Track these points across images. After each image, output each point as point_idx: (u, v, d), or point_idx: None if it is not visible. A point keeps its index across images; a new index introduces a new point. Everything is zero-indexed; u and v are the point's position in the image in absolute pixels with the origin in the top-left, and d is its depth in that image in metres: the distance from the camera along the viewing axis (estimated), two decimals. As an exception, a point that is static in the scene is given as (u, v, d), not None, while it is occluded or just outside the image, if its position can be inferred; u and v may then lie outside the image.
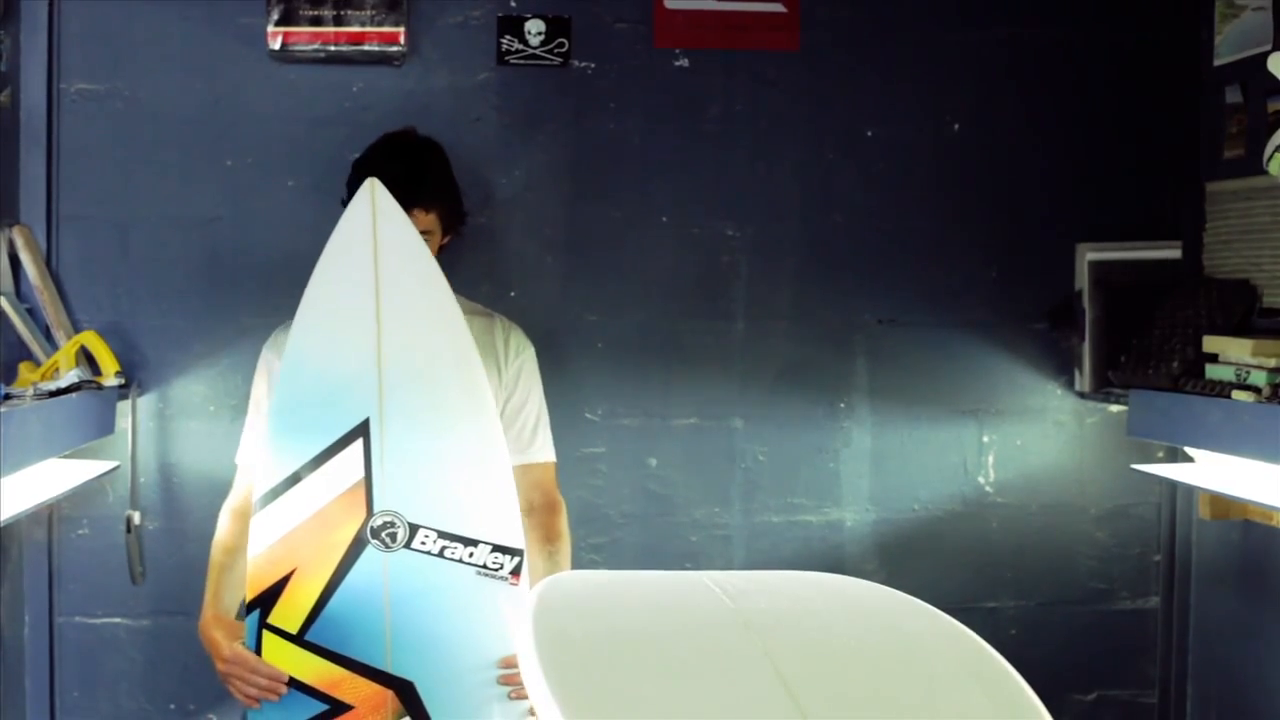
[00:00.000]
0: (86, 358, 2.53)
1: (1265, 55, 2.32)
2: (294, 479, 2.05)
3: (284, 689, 2.06)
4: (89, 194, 2.64)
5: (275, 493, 2.06)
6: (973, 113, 2.82)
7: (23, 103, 2.60)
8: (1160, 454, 2.82)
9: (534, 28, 2.71)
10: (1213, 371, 2.37)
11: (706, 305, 2.79)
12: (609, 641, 1.65)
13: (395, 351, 2.08)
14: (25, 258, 2.57)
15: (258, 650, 2.07)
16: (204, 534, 2.47)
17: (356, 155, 2.40)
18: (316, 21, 2.64)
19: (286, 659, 2.07)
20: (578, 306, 2.76)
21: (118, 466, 2.58)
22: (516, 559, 2.10)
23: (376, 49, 2.65)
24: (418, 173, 2.31)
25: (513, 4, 2.72)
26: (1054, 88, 2.84)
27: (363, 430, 2.07)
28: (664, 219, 2.77)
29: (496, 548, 2.09)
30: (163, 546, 2.65)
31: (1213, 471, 2.50)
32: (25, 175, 2.61)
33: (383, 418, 2.08)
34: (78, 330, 2.59)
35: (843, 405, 2.82)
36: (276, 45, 2.64)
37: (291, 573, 2.07)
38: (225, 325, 2.65)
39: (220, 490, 2.40)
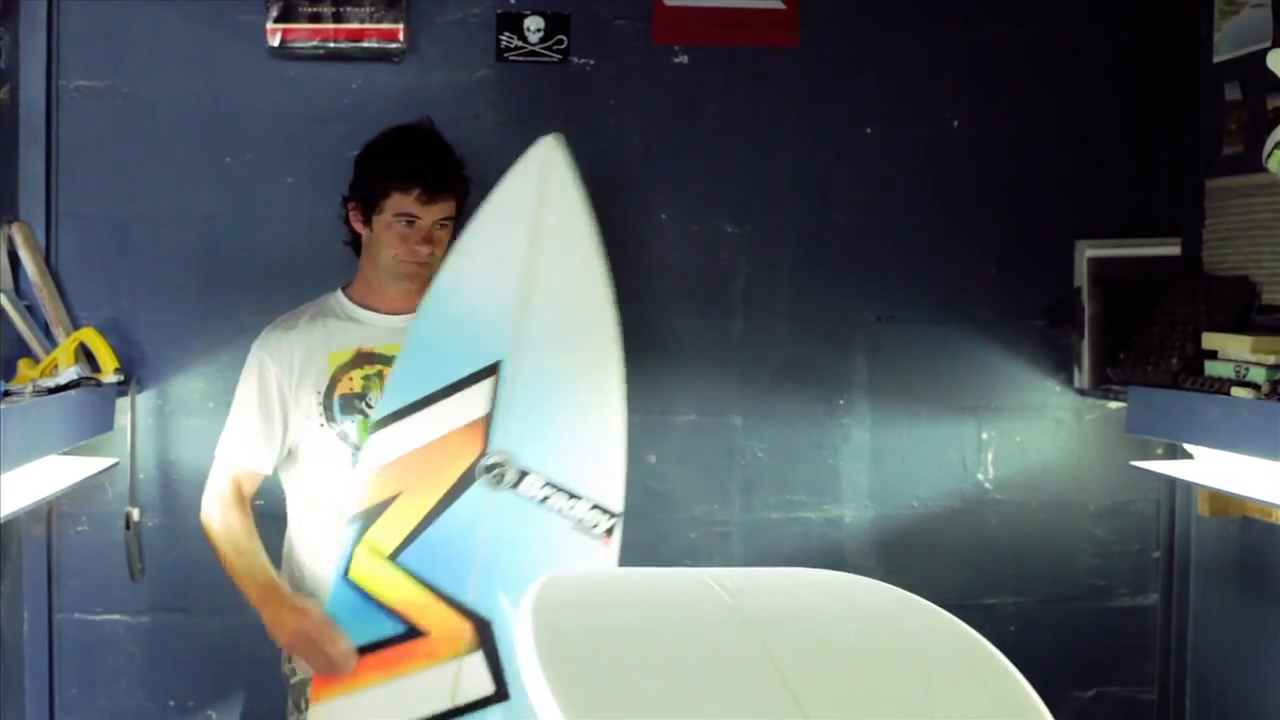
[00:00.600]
0: (85, 354, 2.53)
1: (1265, 52, 2.32)
2: (418, 405, 2.12)
3: (355, 662, 2.14)
4: (88, 191, 2.64)
5: (398, 415, 2.12)
6: (972, 110, 2.82)
7: (22, 100, 2.60)
8: (1159, 451, 2.82)
9: (533, 24, 2.71)
10: (1212, 368, 2.37)
11: (706, 302, 2.79)
12: (608, 638, 1.65)
13: (539, 303, 2.16)
14: (24, 255, 2.57)
15: (347, 565, 2.14)
16: (203, 531, 2.48)
17: (355, 152, 2.41)
18: (315, 18, 2.63)
19: (376, 577, 2.13)
20: (577, 303, 2.76)
21: (117, 463, 2.58)
22: (612, 521, 2.15)
23: (375, 46, 2.65)
24: (446, 158, 2.37)
25: (512, 1, 2.72)
26: (1053, 84, 2.83)
27: (493, 370, 2.14)
28: (663, 216, 2.77)
29: (597, 506, 2.15)
30: (162, 543, 2.65)
31: (1212, 468, 2.51)
32: (24, 172, 2.61)
33: (516, 361, 2.14)
34: (77, 327, 2.59)
35: (842, 402, 2.82)
36: (275, 42, 2.63)
37: (398, 494, 2.13)
38: (224, 322, 2.65)
39: (220, 487, 2.40)
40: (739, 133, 2.77)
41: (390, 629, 2.14)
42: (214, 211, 2.67)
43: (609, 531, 2.16)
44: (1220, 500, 2.57)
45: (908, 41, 2.80)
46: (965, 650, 1.64)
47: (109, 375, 2.51)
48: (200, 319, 2.67)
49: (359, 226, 2.39)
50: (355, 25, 2.64)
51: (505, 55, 2.71)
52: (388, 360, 2.34)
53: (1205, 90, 2.67)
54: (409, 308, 2.33)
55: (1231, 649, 2.71)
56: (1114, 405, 2.79)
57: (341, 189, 2.42)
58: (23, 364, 2.51)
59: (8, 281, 2.56)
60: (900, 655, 1.65)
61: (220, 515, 2.32)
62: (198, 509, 2.36)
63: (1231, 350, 2.33)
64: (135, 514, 2.59)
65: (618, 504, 2.16)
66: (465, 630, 2.13)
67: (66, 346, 2.51)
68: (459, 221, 2.36)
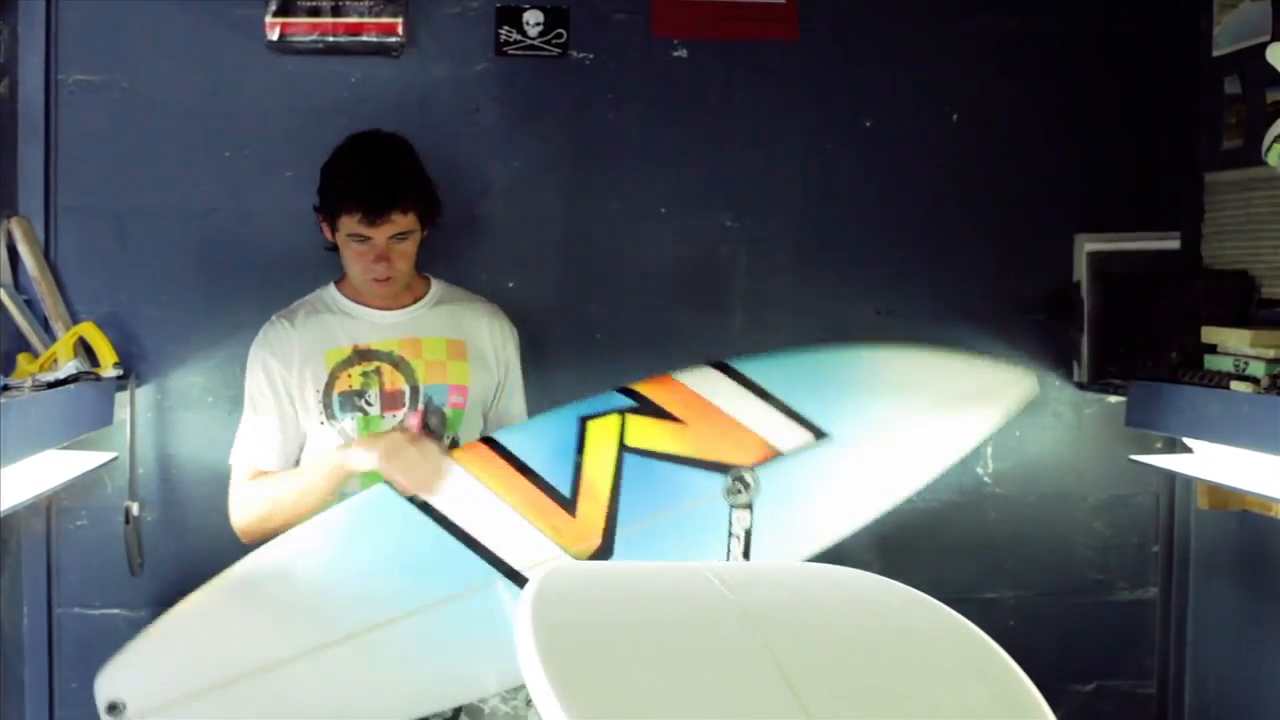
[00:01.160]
0: (85, 349, 2.53)
1: (1264, 46, 2.32)
2: None
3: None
4: (87, 185, 2.64)
5: None
6: (972, 103, 2.81)
7: (21, 94, 2.60)
8: (1159, 444, 2.81)
9: (532, 18, 2.71)
10: (1211, 362, 2.37)
11: (705, 296, 2.78)
12: (608, 632, 1.65)
13: None
14: (23, 249, 2.56)
15: None
16: (203, 525, 2.48)
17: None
18: (314, 12, 2.63)
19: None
20: (576, 297, 2.76)
21: (116, 458, 2.58)
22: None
23: (374, 40, 2.65)
24: (392, 177, 2.28)
25: (511, -6, 2.72)
26: (1053, 78, 2.83)
27: None
28: (663, 210, 2.77)
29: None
30: (161, 537, 2.65)
31: (1211, 462, 2.50)
32: (23, 166, 2.61)
33: None
34: (76, 321, 2.59)
35: (841, 396, 2.81)
36: (274, 36, 2.63)
37: None
38: (223, 316, 2.65)
39: (219, 481, 2.40)
40: (738, 127, 2.77)
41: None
42: (213, 205, 2.67)
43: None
44: (1219, 494, 2.57)
45: (907, 35, 2.80)
46: (965, 645, 1.64)
47: (108, 370, 2.51)
48: (199, 313, 2.66)
49: (329, 237, 2.37)
50: (354, 19, 2.64)
51: (504, 49, 2.71)
52: (386, 357, 2.35)
53: (1205, 84, 2.66)
54: (399, 305, 2.39)
55: (1231, 643, 2.71)
56: (1113, 399, 2.79)
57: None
58: (22, 358, 2.51)
59: (7, 276, 2.56)
60: (900, 650, 1.65)
61: (247, 509, 2.32)
62: (197, 503, 2.36)
63: (1231, 344, 2.33)
64: (134, 508, 2.59)
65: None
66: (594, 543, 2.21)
67: (66, 341, 2.51)
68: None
